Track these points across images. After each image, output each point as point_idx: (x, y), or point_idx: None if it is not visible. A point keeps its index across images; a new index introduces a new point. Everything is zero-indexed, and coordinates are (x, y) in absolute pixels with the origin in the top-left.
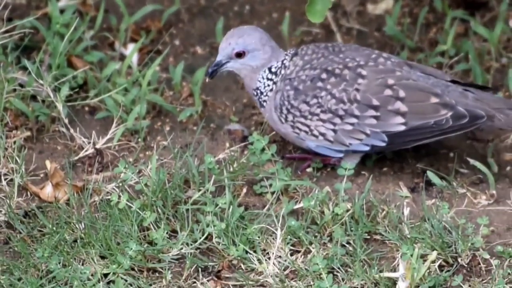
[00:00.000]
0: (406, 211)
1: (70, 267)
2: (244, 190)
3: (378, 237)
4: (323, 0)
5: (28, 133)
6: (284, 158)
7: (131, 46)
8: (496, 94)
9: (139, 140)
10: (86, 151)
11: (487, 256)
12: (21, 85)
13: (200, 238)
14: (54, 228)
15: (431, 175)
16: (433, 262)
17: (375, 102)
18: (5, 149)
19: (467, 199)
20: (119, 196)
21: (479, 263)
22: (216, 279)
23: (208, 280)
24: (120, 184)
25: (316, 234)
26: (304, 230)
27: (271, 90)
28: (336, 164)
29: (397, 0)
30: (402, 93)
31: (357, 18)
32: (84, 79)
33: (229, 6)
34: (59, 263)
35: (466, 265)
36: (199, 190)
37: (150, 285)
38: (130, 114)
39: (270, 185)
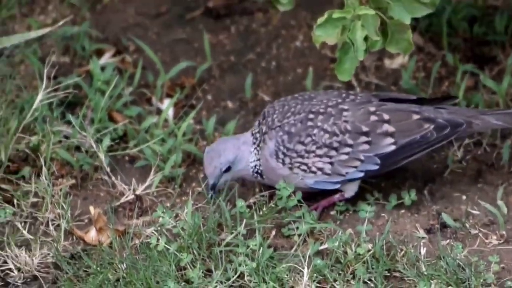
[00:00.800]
0: (423, 251)
1: None
2: (273, 232)
3: (397, 274)
4: (351, 59)
5: (73, 181)
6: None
7: (167, 101)
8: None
9: (176, 186)
10: (126, 197)
11: None
12: (66, 137)
13: (233, 276)
14: (98, 269)
15: (445, 217)
16: None
17: (365, 128)
18: (52, 196)
19: (479, 239)
20: (158, 239)
21: None
22: None
23: None
24: (159, 228)
25: (340, 272)
26: (329, 269)
27: (258, 161)
28: (342, 199)
29: (411, 55)
30: (386, 116)
31: (375, 72)
32: (124, 131)
33: (257, 62)
34: None
35: None
36: (232, 233)
37: None
38: (167, 162)
39: (297, 228)
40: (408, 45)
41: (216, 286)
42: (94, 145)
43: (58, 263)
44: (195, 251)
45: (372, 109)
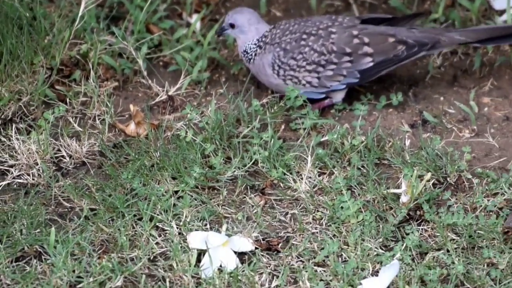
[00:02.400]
0: (407, 142)
1: (148, 186)
2: (283, 126)
3: (385, 162)
4: None
5: (116, 83)
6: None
7: (195, 16)
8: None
9: (202, 88)
10: (161, 97)
11: (470, 176)
12: (110, 45)
13: (249, 163)
14: (136, 156)
15: (426, 114)
16: (428, 181)
17: (348, 50)
18: (98, 96)
19: (454, 133)
20: (186, 132)
21: (463, 182)
22: (261, 194)
23: (255, 196)
24: (187, 122)
25: (338, 160)
26: (329, 157)
27: (255, 51)
28: (330, 104)
29: None
30: (366, 39)
31: None
32: (159, 40)
33: None
34: (140, 183)
35: (453, 183)
36: (248, 127)
37: (210, 199)
38: (194, 67)
39: (302, 123)
40: None
41: (234, 171)
42: (134, 52)
43: (103, 151)
44: (217, 142)
45: (355, 32)
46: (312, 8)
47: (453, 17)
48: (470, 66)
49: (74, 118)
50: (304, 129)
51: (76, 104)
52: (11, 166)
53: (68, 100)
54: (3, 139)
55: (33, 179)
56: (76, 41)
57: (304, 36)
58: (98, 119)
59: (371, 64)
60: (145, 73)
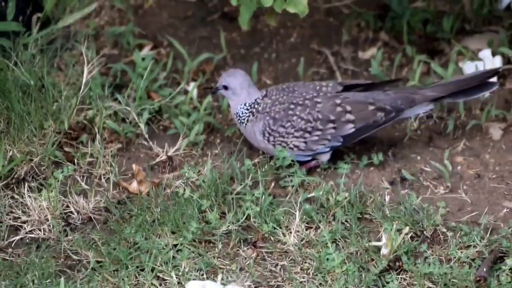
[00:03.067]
0: (387, 198)
1: (150, 239)
2: (273, 184)
3: (367, 216)
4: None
5: (120, 145)
6: (300, 167)
7: (192, 84)
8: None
9: (198, 149)
10: (161, 157)
11: (444, 230)
12: (115, 112)
13: (242, 218)
14: (139, 212)
15: (404, 172)
16: (406, 234)
17: (332, 117)
18: (103, 157)
19: (430, 189)
20: (184, 189)
21: (439, 235)
22: (253, 247)
23: (247, 248)
24: (185, 181)
25: (324, 214)
26: (315, 212)
27: (248, 117)
28: (317, 165)
29: (379, 48)
30: (348, 108)
31: (352, 61)
32: (159, 106)
33: (261, 54)
34: (142, 237)
35: (429, 236)
36: (241, 184)
37: (207, 252)
38: (191, 131)
39: (291, 181)
40: (304, 8)
41: (228, 225)
42: (136, 117)
43: (108, 207)
44: (212, 198)
45: (338, 101)
46: (300, 75)
47: (429, 84)
48: (444, 129)
49: (81, 177)
50: (293, 186)
51: (83, 164)
52: (24, 222)
53: (76, 160)
54: (16, 196)
55: (44, 234)
56: (83, 106)
57: (292, 106)
58: (104, 178)
59: (353, 129)
60: (146, 136)
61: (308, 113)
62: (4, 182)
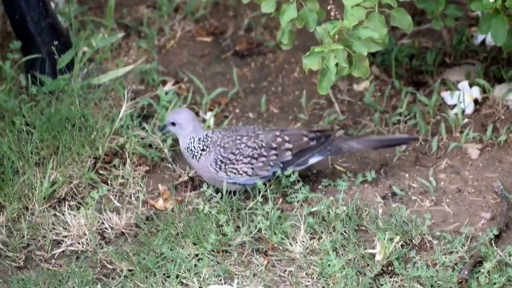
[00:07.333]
0: (380, 211)
1: (174, 250)
2: (280, 200)
3: (363, 227)
4: (327, 80)
5: (147, 168)
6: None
7: (209, 113)
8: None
9: None
10: (183, 178)
11: (430, 238)
12: (142, 138)
13: (254, 230)
14: (164, 226)
15: (395, 188)
16: (397, 242)
17: (274, 145)
18: (133, 178)
19: (417, 203)
20: (204, 206)
21: (425, 243)
22: (264, 256)
23: (259, 257)
24: (205, 198)
25: (325, 226)
26: (318, 225)
27: (201, 151)
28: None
29: (371, 81)
30: (287, 138)
31: (347, 92)
32: None
33: (268, 88)
34: (168, 248)
35: (417, 244)
36: (253, 201)
37: (224, 260)
38: None
39: (296, 197)
40: (366, 71)
41: (243, 237)
42: (161, 144)
43: (137, 223)
44: (228, 213)
45: (278, 133)
46: (302, 106)
47: (414, 111)
48: (429, 150)
49: (114, 196)
50: (298, 201)
51: (115, 185)
52: (65, 237)
53: (109, 182)
54: (58, 214)
55: (82, 247)
56: (115, 136)
57: (239, 137)
58: (134, 196)
59: (291, 157)
60: (170, 159)
61: (253, 141)
62: (48, 201)
